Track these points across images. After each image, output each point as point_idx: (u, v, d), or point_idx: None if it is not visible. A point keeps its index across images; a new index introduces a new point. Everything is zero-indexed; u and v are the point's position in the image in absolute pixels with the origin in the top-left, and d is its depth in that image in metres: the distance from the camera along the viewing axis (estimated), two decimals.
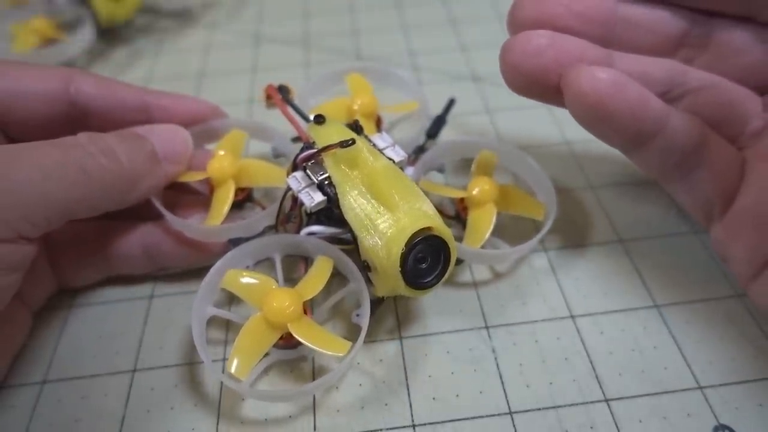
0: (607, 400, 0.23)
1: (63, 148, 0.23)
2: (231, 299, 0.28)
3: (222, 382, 0.25)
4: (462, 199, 0.29)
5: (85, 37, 0.43)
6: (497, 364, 0.25)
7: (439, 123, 0.32)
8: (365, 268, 0.23)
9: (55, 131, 0.26)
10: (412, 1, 0.50)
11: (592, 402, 0.23)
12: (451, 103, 0.33)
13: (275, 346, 0.24)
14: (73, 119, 0.27)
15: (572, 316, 0.26)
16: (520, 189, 0.29)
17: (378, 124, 0.32)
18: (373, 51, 0.44)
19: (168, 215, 0.26)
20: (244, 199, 0.29)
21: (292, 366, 0.25)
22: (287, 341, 0.24)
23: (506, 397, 0.24)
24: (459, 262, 0.27)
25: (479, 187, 0.28)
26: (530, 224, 0.30)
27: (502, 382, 0.24)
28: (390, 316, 0.27)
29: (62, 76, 0.27)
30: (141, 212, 0.27)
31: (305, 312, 0.24)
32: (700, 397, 0.23)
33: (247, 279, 0.24)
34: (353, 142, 0.23)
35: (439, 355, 0.25)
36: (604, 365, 0.24)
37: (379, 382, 0.24)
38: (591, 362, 0.25)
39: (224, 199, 0.27)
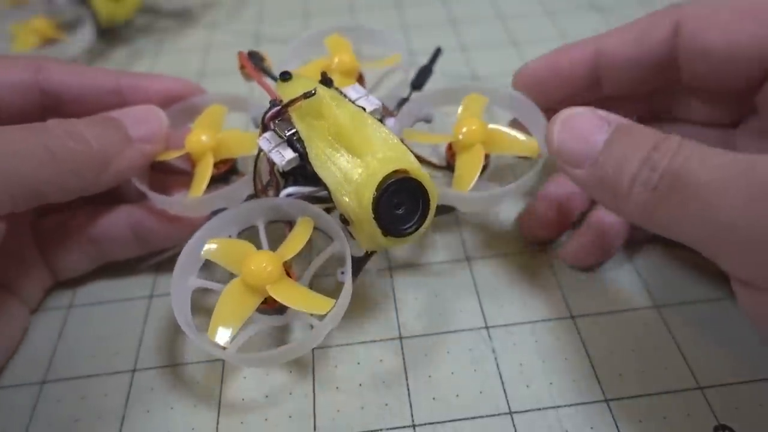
0: (607, 400, 0.23)
1: (30, 130, 0.23)
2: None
3: (221, 380, 0.25)
4: (451, 146, 0.27)
5: (85, 37, 0.43)
6: (497, 364, 0.25)
7: (425, 73, 0.31)
8: (344, 222, 0.23)
9: (30, 121, 0.26)
10: (412, 1, 0.50)
11: (592, 402, 0.23)
12: (437, 52, 0.32)
13: (262, 312, 0.23)
14: (47, 108, 0.27)
15: (572, 316, 0.26)
16: (510, 129, 0.27)
17: (360, 83, 0.31)
18: (373, 51, 0.44)
19: (150, 194, 0.26)
20: (228, 171, 0.29)
21: (281, 340, 0.25)
22: (272, 305, 0.23)
23: (506, 397, 0.24)
24: (449, 210, 0.25)
25: (465, 129, 0.26)
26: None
27: (502, 382, 0.24)
28: (389, 316, 0.27)
29: (30, 66, 0.27)
30: (128, 195, 0.27)
31: (289, 275, 0.23)
32: (700, 397, 0.23)
33: (225, 245, 0.24)
34: (315, 91, 0.22)
35: (439, 355, 0.25)
36: (604, 365, 0.24)
37: (379, 382, 0.24)
38: (591, 362, 0.25)
39: (203, 173, 0.27)
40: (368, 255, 0.25)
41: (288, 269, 0.23)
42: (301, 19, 0.49)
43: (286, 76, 0.24)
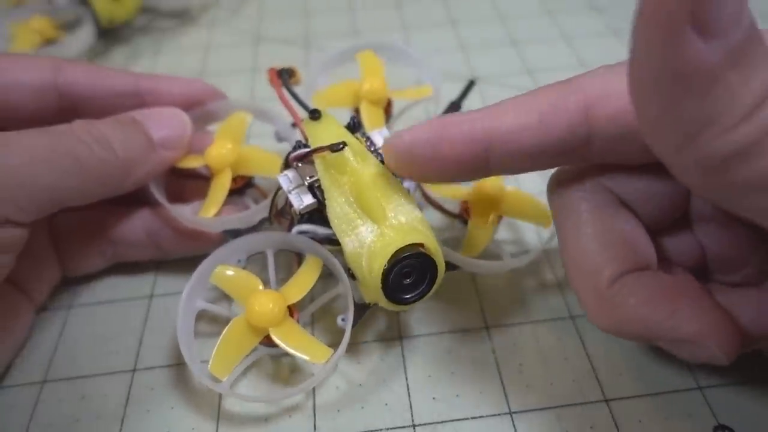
0: (607, 400, 0.23)
1: (55, 135, 0.23)
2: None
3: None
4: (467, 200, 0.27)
5: (85, 37, 0.43)
6: (497, 364, 0.25)
7: (452, 110, 0.30)
8: (350, 275, 0.23)
9: (47, 123, 0.26)
10: (412, 1, 0.50)
11: (592, 402, 0.23)
12: (469, 86, 0.30)
13: (261, 343, 0.23)
14: (65, 109, 0.27)
15: (572, 316, 0.26)
16: (527, 193, 0.28)
17: (387, 109, 0.31)
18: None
19: (165, 204, 0.26)
20: (245, 185, 0.28)
21: (279, 360, 0.25)
22: (272, 340, 0.23)
23: (506, 397, 0.24)
24: (455, 268, 0.26)
25: (483, 193, 0.26)
26: (536, 230, 0.30)
27: (502, 382, 0.24)
28: (390, 316, 0.27)
29: (50, 66, 0.27)
30: (146, 195, 0.27)
31: (291, 313, 0.24)
32: (700, 397, 0.23)
33: (233, 276, 0.24)
34: (343, 146, 0.22)
35: (439, 355, 0.25)
36: (604, 365, 0.24)
37: (380, 382, 0.24)
38: (591, 362, 0.25)
39: (221, 188, 0.27)
40: (369, 306, 0.24)
41: (290, 306, 0.24)
42: (301, 18, 0.49)
43: (315, 115, 0.24)
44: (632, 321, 0.19)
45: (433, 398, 0.24)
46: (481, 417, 0.23)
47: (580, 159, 0.20)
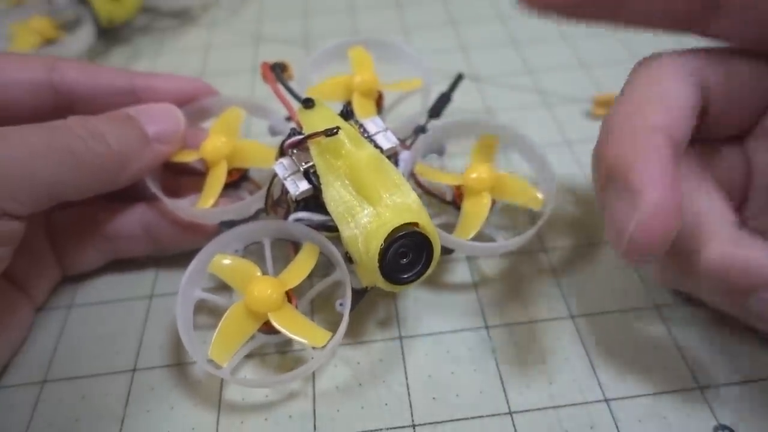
0: (607, 400, 0.23)
1: (51, 130, 0.23)
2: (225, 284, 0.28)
3: (222, 378, 0.25)
4: (459, 185, 0.28)
5: (85, 37, 0.43)
6: (497, 364, 0.25)
7: (443, 101, 0.30)
8: (347, 259, 0.23)
9: (43, 120, 0.26)
10: (412, 1, 0.50)
11: (592, 402, 0.23)
12: (458, 78, 0.31)
13: (260, 330, 0.24)
14: (60, 107, 0.27)
15: (572, 317, 0.26)
16: (519, 177, 0.28)
17: (379, 102, 0.31)
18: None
19: (162, 197, 0.27)
20: (240, 179, 0.29)
21: (279, 351, 0.25)
22: (270, 327, 0.23)
23: (506, 397, 0.24)
24: (449, 252, 0.26)
25: (475, 175, 0.27)
26: (530, 215, 0.30)
27: (502, 382, 0.24)
28: (390, 316, 0.27)
29: (45, 64, 0.27)
30: (142, 191, 0.27)
31: (289, 299, 0.24)
32: (700, 397, 0.23)
33: (231, 264, 0.24)
34: (338, 130, 0.22)
35: (439, 355, 0.25)
36: (604, 365, 0.24)
37: (379, 382, 0.24)
38: (591, 362, 0.25)
39: (217, 180, 0.27)
40: (367, 290, 0.25)
41: (289, 292, 0.24)
42: (301, 18, 0.49)
43: (309, 104, 0.24)
44: None
45: (433, 398, 0.24)
46: (481, 417, 0.23)
47: (702, 27, 0.22)
